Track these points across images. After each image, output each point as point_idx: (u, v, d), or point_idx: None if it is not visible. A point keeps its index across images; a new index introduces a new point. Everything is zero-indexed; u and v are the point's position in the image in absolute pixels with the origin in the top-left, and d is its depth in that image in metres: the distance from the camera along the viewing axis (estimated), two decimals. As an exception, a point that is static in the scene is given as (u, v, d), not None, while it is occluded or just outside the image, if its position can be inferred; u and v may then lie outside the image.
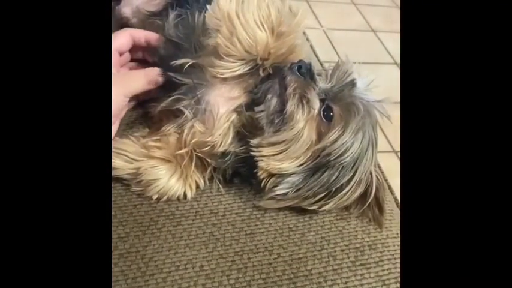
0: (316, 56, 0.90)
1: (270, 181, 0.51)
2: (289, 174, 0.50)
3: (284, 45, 0.51)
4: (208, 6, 0.52)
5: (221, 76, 0.51)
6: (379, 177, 0.53)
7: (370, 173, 0.52)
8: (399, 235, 0.57)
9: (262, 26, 0.50)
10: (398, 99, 0.39)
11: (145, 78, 0.54)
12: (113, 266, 0.47)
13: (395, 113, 0.48)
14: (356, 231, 0.56)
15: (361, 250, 0.54)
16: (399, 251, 0.55)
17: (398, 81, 0.39)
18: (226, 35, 0.49)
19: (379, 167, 0.60)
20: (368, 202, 0.54)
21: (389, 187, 0.66)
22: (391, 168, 0.80)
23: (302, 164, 0.49)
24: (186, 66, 0.52)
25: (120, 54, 0.57)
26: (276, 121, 0.50)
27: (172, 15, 0.57)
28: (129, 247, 0.49)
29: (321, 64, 0.91)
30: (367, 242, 0.55)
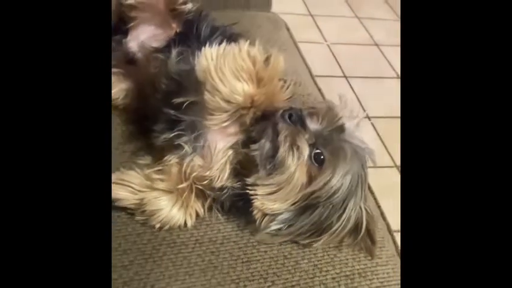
0: (310, 72, 0.90)
1: (264, 219, 0.54)
2: (282, 212, 0.53)
3: (266, 91, 0.54)
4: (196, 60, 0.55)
5: (213, 128, 0.55)
6: (368, 211, 0.56)
7: (360, 208, 0.55)
8: (388, 263, 0.60)
9: (241, 76, 0.52)
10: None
11: None
12: (117, 293, 0.50)
13: (397, 127, 0.48)
14: (347, 259, 0.58)
15: (352, 278, 0.57)
16: (388, 279, 0.58)
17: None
18: (210, 90, 0.53)
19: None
20: (361, 235, 0.56)
21: (382, 213, 0.68)
22: (393, 184, 0.81)
23: (294, 204, 0.53)
24: (186, 104, 0.55)
25: None
26: (269, 166, 0.53)
27: (174, 52, 0.60)
28: (132, 275, 0.52)
29: (313, 79, 0.90)
30: (357, 269, 0.58)
